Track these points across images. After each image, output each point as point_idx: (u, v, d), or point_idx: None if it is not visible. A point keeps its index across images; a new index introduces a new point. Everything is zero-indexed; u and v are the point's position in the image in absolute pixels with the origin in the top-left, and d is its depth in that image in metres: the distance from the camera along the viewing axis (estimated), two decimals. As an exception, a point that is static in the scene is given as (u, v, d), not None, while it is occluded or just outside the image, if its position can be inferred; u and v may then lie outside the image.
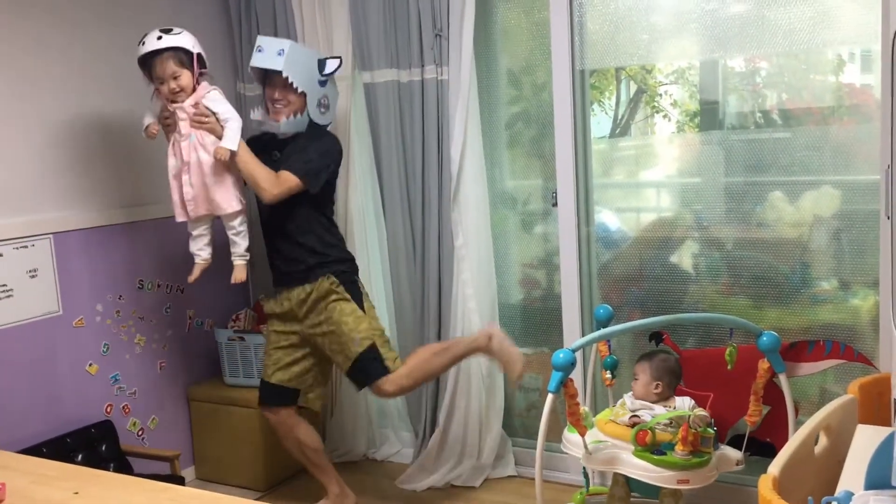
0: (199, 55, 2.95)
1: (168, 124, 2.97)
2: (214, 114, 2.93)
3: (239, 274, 3.13)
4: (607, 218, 3.48)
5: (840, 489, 1.64)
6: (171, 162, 2.99)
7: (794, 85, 3.13)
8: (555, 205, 3.36)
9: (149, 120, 2.99)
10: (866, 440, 1.91)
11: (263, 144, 3.11)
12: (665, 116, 3.40)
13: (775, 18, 2.90)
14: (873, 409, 2.40)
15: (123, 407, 3.43)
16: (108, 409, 3.37)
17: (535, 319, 3.67)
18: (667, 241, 3.34)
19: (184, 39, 2.92)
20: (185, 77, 2.90)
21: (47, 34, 3.14)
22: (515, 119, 3.63)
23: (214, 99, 2.95)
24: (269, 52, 3.00)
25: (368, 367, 3.06)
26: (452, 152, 3.35)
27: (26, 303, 3.06)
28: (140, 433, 3.51)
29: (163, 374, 3.61)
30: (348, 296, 3.07)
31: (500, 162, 3.64)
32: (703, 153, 3.25)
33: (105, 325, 3.35)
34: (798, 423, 2.68)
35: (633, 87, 3.51)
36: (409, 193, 3.48)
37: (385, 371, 3.05)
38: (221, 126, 2.93)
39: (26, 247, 3.07)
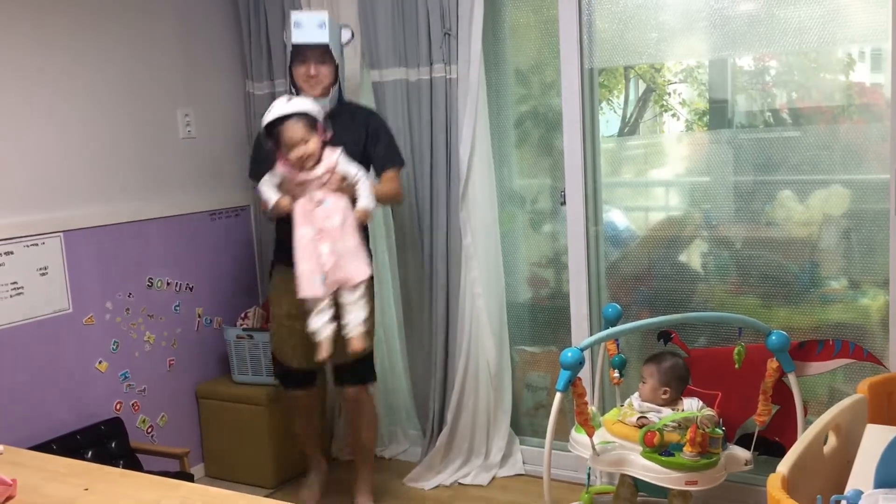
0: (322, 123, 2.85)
1: (295, 193, 2.82)
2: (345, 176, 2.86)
3: (359, 344, 2.87)
4: (616, 217, 3.48)
5: (849, 488, 1.64)
6: (304, 232, 2.78)
7: (803, 84, 3.12)
8: (563, 203, 3.36)
9: (272, 194, 2.85)
10: (876, 440, 1.91)
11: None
12: (674, 115, 3.39)
13: (785, 17, 2.89)
14: (883, 408, 2.39)
15: (133, 404, 3.45)
16: (118, 407, 3.38)
17: (543, 318, 3.67)
18: (675, 240, 3.34)
19: (307, 105, 2.84)
20: (314, 142, 2.79)
21: (55, 34, 3.15)
22: (524, 118, 3.63)
23: (345, 161, 2.86)
24: (310, 27, 2.92)
25: (368, 367, 3.17)
26: (461, 151, 3.35)
27: (36, 300, 3.08)
28: (149, 430, 3.52)
29: (172, 371, 3.62)
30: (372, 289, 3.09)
31: (509, 160, 3.64)
32: (712, 152, 3.24)
33: (115, 323, 3.36)
34: (807, 423, 2.67)
35: (642, 86, 3.51)
36: (417, 192, 3.49)
37: (374, 378, 3.21)
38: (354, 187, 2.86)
39: (37, 245, 3.08)
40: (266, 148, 2.92)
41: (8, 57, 2.99)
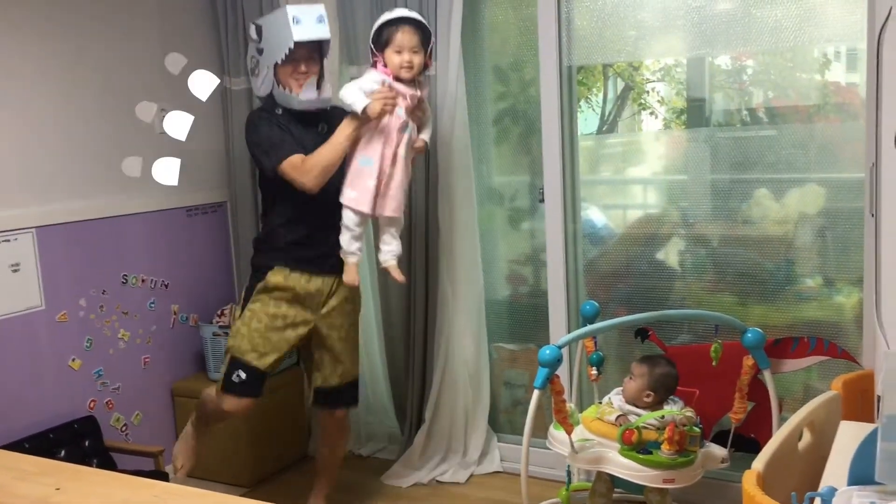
0: (431, 50, 2.78)
1: (385, 107, 2.67)
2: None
3: (398, 275, 2.89)
4: (594, 214, 3.49)
5: (823, 485, 1.65)
6: (379, 150, 2.70)
7: (780, 83, 3.14)
8: (541, 201, 3.36)
9: (361, 98, 2.65)
10: (850, 436, 1.92)
11: (298, 120, 2.88)
12: (652, 113, 3.41)
13: (762, 16, 2.90)
14: (857, 405, 2.42)
15: (107, 402, 3.41)
16: (92, 405, 3.34)
17: (521, 316, 3.67)
18: (653, 238, 3.35)
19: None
20: (420, 58, 2.72)
21: (27, 26, 3.10)
22: (503, 115, 3.63)
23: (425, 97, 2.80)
24: (310, 22, 2.76)
25: (354, 392, 3.14)
26: (439, 148, 3.34)
27: (8, 297, 3.03)
28: (124, 429, 3.48)
29: (147, 369, 3.59)
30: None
31: (488, 158, 3.64)
32: (690, 150, 3.26)
33: (88, 320, 3.32)
34: (782, 420, 2.70)
35: (621, 84, 3.52)
36: (395, 189, 3.47)
37: (355, 403, 3.17)
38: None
39: (8, 241, 3.04)
40: (278, 125, 2.79)
41: (-21, 50, 2.95)
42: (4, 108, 3.03)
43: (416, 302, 3.49)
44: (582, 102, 3.44)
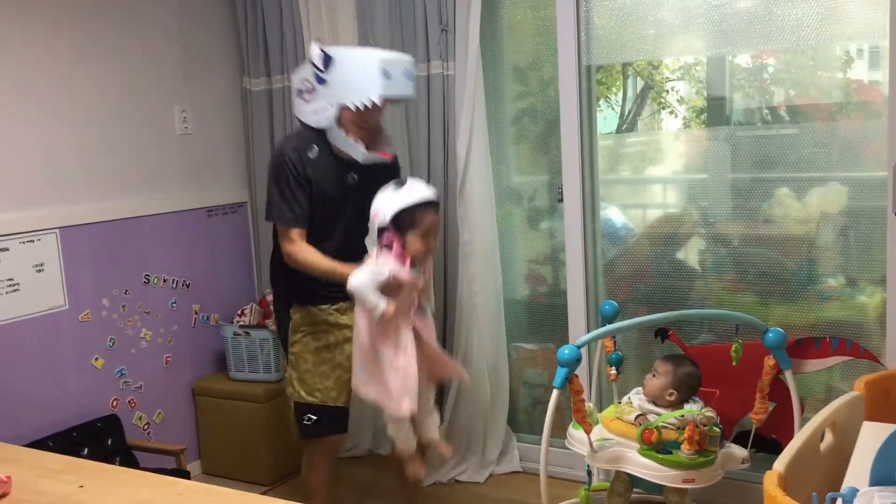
0: None
1: (393, 295, 2.43)
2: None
3: (446, 450, 2.73)
4: (613, 214, 3.48)
5: (845, 486, 1.64)
6: (406, 342, 2.46)
7: (801, 81, 3.12)
8: (560, 201, 3.35)
9: (381, 300, 2.38)
10: (872, 437, 1.91)
11: (331, 161, 2.71)
12: (672, 112, 3.39)
13: (783, 14, 2.88)
14: (879, 406, 2.39)
15: (129, 401, 3.44)
16: (114, 404, 3.38)
17: (540, 315, 3.67)
18: (673, 238, 3.34)
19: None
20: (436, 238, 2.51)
21: (53, 27, 3.14)
22: (521, 115, 3.63)
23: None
24: (399, 77, 2.57)
25: None
26: (458, 148, 3.34)
27: (33, 297, 3.07)
28: (146, 427, 3.52)
29: (168, 368, 3.62)
30: None
31: (506, 157, 3.64)
32: (710, 149, 3.24)
33: (111, 320, 3.35)
34: (804, 421, 2.67)
35: (640, 83, 3.51)
36: (414, 189, 3.47)
37: None
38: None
39: (33, 241, 3.07)
40: (299, 180, 2.60)
41: (4, 52, 2.98)
42: (28, 111, 3.07)
43: (434, 302, 3.49)
44: (601, 102, 3.43)
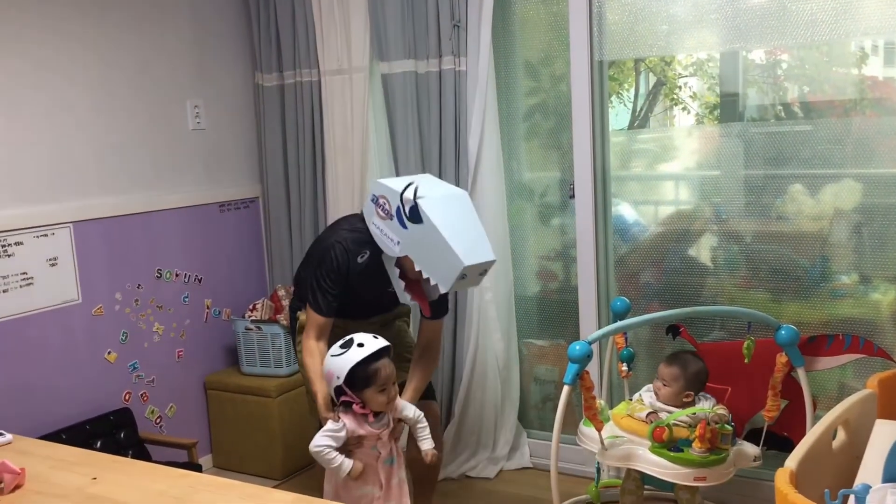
0: None
1: (353, 448, 2.42)
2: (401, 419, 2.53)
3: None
4: (625, 210, 3.47)
5: (858, 483, 1.63)
6: (368, 490, 2.43)
7: (815, 77, 3.10)
8: (572, 197, 3.35)
9: (340, 457, 2.36)
10: (885, 435, 1.90)
11: (378, 268, 2.72)
12: (684, 109, 3.38)
13: (796, 9, 2.86)
14: (892, 404, 2.38)
15: (142, 395, 3.46)
16: (127, 397, 3.40)
17: (551, 311, 3.66)
18: (685, 234, 3.32)
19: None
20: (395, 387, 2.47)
21: (66, 22, 3.16)
22: (533, 110, 3.62)
23: (406, 405, 2.55)
24: (473, 275, 2.52)
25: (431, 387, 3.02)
26: (470, 144, 3.34)
27: (46, 291, 3.09)
28: (158, 421, 3.54)
29: (181, 362, 3.64)
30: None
31: (518, 154, 3.63)
32: (723, 146, 3.23)
33: (124, 314, 3.37)
34: (816, 418, 2.66)
35: (653, 79, 3.49)
36: (426, 185, 3.48)
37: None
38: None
39: (46, 235, 3.09)
40: (338, 279, 2.62)
41: (18, 48, 3.00)
42: (42, 107, 3.09)
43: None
44: (613, 98, 3.42)
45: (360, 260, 2.66)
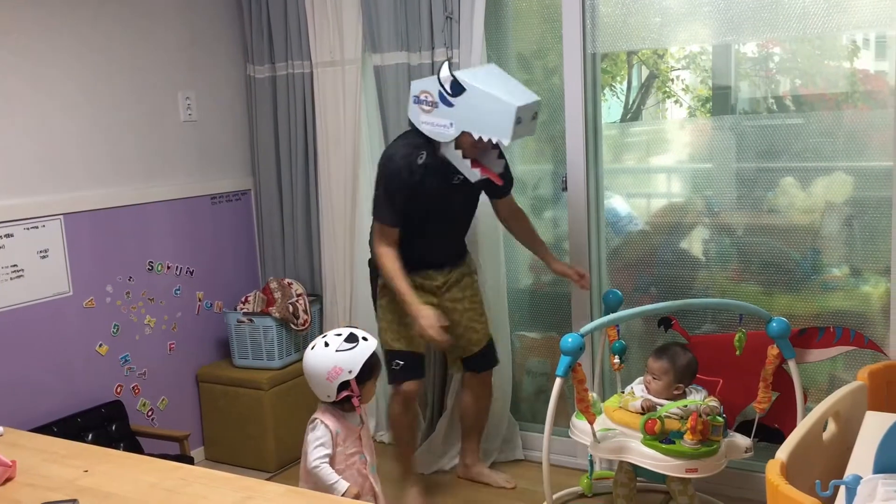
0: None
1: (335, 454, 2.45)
2: None
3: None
4: (617, 203, 3.47)
5: (848, 474, 1.64)
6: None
7: (807, 71, 3.10)
8: (565, 189, 3.35)
9: (340, 481, 2.35)
10: (875, 427, 1.91)
11: (439, 167, 2.88)
12: (677, 101, 3.38)
13: (789, 2, 2.87)
14: (883, 396, 2.40)
15: (133, 387, 3.45)
16: (118, 390, 3.39)
17: (543, 304, 3.67)
18: (677, 227, 3.33)
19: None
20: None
21: (57, 14, 3.14)
22: (526, 103, 3.61)
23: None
24: (527, 121, 2.71)
25: (494, 351, 3.24)
26: (462, 136, 3.33)
27: (37, 283, 3.07)
28: (150, 414, 3.53)
29: (172, 355, 3.63)
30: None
31: (510, 146, 3.60)
32: (715, 139, 3.23)
33: (115, 306, 3.36)
34: (807, 410, 2.67)
35: (645, 72, 3.49)
36: (418, 177, 3.48)
37: (497, 361, 3.27)
38: None
39: (37, 227, 3.08)
40: (402, 186, 2.79)
41: (8, 38, 2.98)
42: (32, 96, 3.07)
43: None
44: (606, 90, 3.42)
45: (419, 161, 2.81)
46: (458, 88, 2.72)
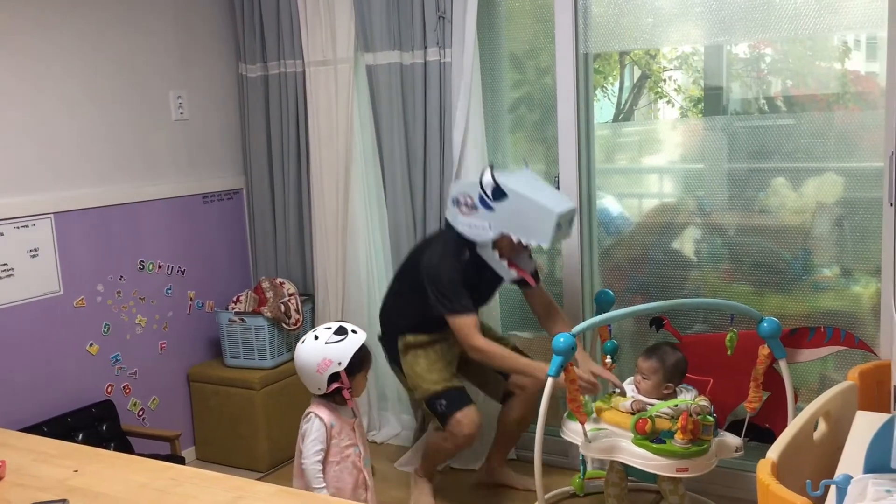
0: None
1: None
2: None
3: None
4: (609, 203, 3.48)
5: (839, 473, 1.64)
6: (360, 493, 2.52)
7: (798, 71, 3.11)
8: (557, 189, 3.35)
9: (324, 489, 2.40)
10: (866, 426, 1.91)
11: (478, 267, 2.95)
12: (669, 102, 3.39)
13: (781, 3, 2.88)
14: (873, 396, 2.40)
15: (124, 387, 3.44)
16: (109, 389, 3.37)
17: (535, 304, 3.66)
18: (669, 227, 3.34)
19: None
20: None
21: (48, 12, 3.12)
22: (518, 103, 3.62)
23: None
24: (566, 226, 2.83)
25: None
26: (454, 136, 3.33)
27: (27, 282, 3.06)
28: (140, 413, 3.52)
29: (163, 354, 3.62)
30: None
31: (503, 146, 3.63)
32: (707, 139, 3.24)
33: (106, 306, 3.35)
34: (797, 410, 2.68)
35: (637, 73, 3.50)
36: (410, 177, 3.48)
37: None
38: None
39: (27, 226, 3.06)
40: (462, 280, 2.85)
41: (0, 38, 2.97)
42: (23, 95, 3.05)
43: (430, 290, 3.49)
44: (598, 90, 3.42)
45: (463, 258, 2.90)
46: (499, 195, 2.81)
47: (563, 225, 2.79)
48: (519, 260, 2.96)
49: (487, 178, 2.82)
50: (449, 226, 2.97)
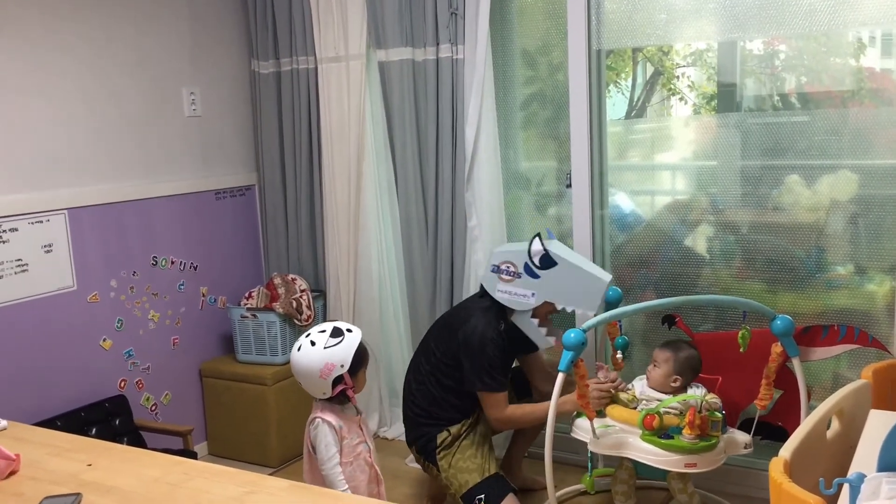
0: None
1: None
2: None
3: None
4: (622, 200, 3.46)
5: (852, 472, 1.63)
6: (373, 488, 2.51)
7: (813, 68, 3.09)
8: (569, 186, 3.34)
9: (348, 489, 2.38)
10: (879, 425, 1.90)
11: (512, 334, 2.94)
12: (682, 99, 3.37)
13: (795, -1, 2.86)
14: (887, 394, 2.39)
15: (137, 382, 3.46)
16: (122, 384, 3.39)
17: (547, 301, 3.66)
18: (681, 224, 3.32)
19: None
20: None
21: (62, 10, 3.14)
22: (530, 100, 3.61)
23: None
24: (609, 293, 2.93)
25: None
26: (467, 132, 3.33)
27: (41, 278, 3.08)
28: (153, 408, 3.54)
29: (176, 350, 3.63)
30: None
31: (515, 143, 3.62)
32: (720, 136, 3.22)
33: (119, 301, 3.37)
34: (811, 408, 2.67)
35: (650, 69, 3.48)
36: (422, 173, 3.48)
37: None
38: None
39: (41, 222, 3.08)
40: (501, 353, 2.83)
41: (13, 33, 2.98)
42: (37, 92, 3.07)
43: (440, 288, 3.49)
44: (611, 87, 3.41)
45: (502, 328, 2.88)
46: (548, 263, 2.83)
47: (608, 292, 2.90)
48: (551, 327, 2.96)
49: (537, 247, 2.82)
50: (483, 293, 2.93)
